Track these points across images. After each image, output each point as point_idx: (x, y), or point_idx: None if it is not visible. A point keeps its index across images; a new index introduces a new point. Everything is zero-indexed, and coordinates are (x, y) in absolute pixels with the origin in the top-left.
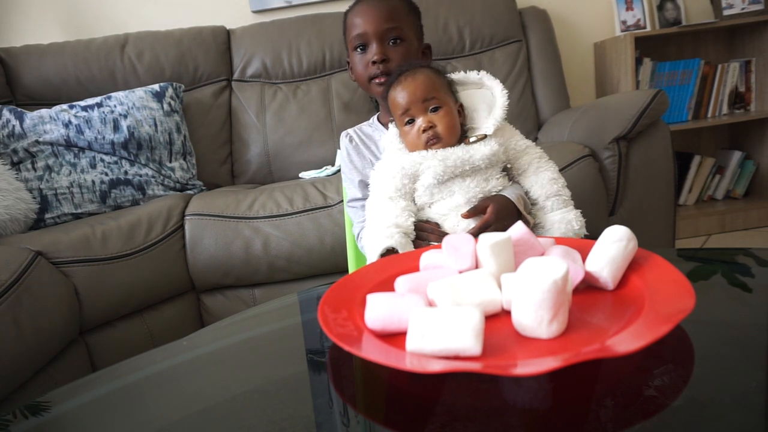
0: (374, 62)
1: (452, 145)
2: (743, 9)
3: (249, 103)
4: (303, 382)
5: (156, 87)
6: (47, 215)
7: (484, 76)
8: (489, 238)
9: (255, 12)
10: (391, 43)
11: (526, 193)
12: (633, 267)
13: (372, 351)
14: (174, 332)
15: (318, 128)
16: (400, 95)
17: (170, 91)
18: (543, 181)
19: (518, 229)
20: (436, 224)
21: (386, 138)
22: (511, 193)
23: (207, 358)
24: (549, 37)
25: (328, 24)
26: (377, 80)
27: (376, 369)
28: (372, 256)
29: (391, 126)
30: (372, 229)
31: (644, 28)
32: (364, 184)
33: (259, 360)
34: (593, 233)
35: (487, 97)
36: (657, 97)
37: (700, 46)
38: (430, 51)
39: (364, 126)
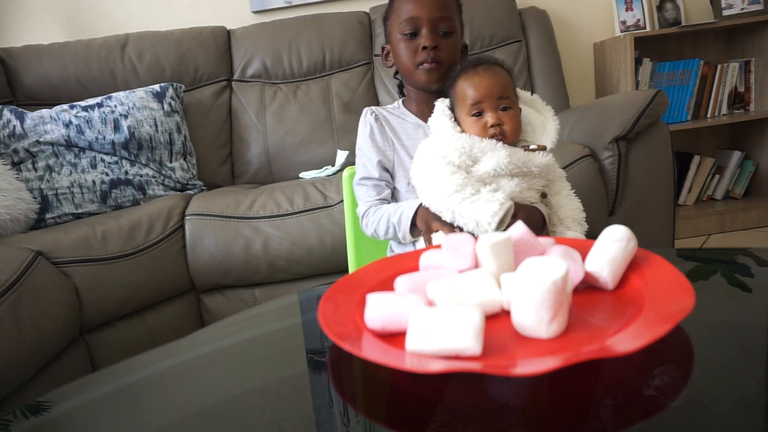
0: (425, 48)
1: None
2: (743, 9)
3: (249, 103)
4: (303, 382)
5: (156, 87)
6: (48, 215)
7: (537, 99)
8: (489, 238)
9: (255, 12)
10: (442, 34)
11: (554, 211)
12: (633, 267)
13: (372, 351)
14: (174, 332)
15: (318, 128)
16: (474, 86)
17: (170, 92)
18: (573, 207)
19: (518, 229)
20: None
21: (436, 119)
22: (541, 207)
23: (207, 358)
24: (549, 37)
25: (328, 24)
26: (426, 66)
27: (376, 369)
28: (485, 211)
29: (440, 108)
30: (471, 188)
31: (644, 28)
32: (382, 165)
33: (259, 360)
34: (593, 233)
35: (536, 117)
36: (656, 97)
37: (699, 46)
38: (467, 50)
39: (390, 108)
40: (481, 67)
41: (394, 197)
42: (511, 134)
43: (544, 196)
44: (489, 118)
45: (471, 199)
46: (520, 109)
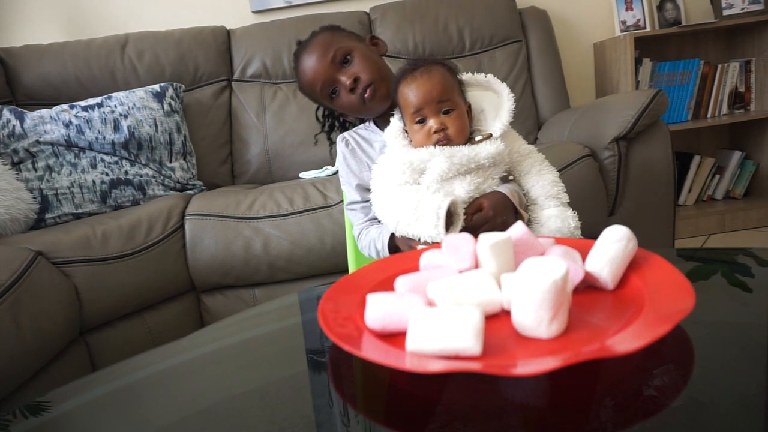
0: (351, 89)
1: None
2: (743, 9)
3: (249, 103)
4: (303, 382)
5: (156, 87)
6: (48, 215)
7: (492, 79)
8: (489, 238)
9: (255, 12)
10: (345, 63)
11: (525, 193)
12: (633, 267)
13: (372, 351)
14: (174, 332)
15: (318, 128)
16: (413, 93)
17: (170, 91)
18: (544, 182)
19: (518, 229)
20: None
21: (389, 133)
22: (504, 189)
23: (207, 358)
24: (549, 37)
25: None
26: (367, 96)
27: (376, 369)
28: (427, 225)
29: (393, 120)
30: (410, 205)
31: (644, 28)
32: (362, 188)
33: (259, 360)
34: (593, 233)
35: (493, 100)
36: (656, 97)
37: (699, 46)
38: (376, 37)
39: (360, 129)
40: (418, 72)
41: None
42: (456, 136)
43: (505, 180)
44: (431, 123)
45: (415, 215)
46: (469, 105)
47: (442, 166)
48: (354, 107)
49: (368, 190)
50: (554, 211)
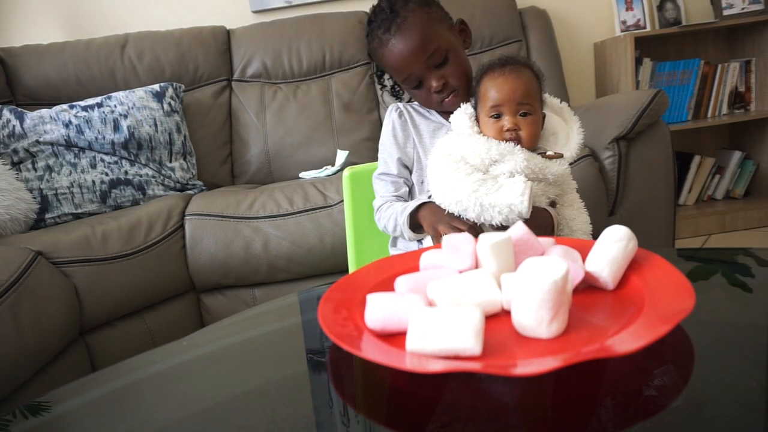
0: (438, 92)
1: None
2: (743, 9)
3: (249, 103)
4: (303, 382)
5: (156, 87)
6: (47, 215)
7: (565, 107)
8: (489, 238)
9: (255, 12)
10: (439, 65)
11: (565, 220)
12: (633, 267)
13: (372, 351)
14: (174, 332)
15: (318, 128)
16: (497, 88)
17: (170, 91)
18: (583, 220)
19: (518, 229)
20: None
21: (459, 117)
22: (551, 210)
23: (207, 358)
24: (549, 37)
25: (328, 24)
26: (447, 101)
27: (376, 369)
28: (513, 193)
29: (464, 106)
30: (488, 178)
31: (644, 28)
32: (401, 162)
33: (259, 360)
34: (593, 233)
35: (563, 127)
36: (657, 97)
37: (700, 46)
38: (465, 24)
39: (417, 106)
40: (507, 68)
41: (410, 193)
42: (527, 140)
43: (553, 204)
44: (506, 122)
45: (494, 188)
46: (544, 115)
47: (520, 164)
48: (428, 103)
49: (406, 167)
50: None
